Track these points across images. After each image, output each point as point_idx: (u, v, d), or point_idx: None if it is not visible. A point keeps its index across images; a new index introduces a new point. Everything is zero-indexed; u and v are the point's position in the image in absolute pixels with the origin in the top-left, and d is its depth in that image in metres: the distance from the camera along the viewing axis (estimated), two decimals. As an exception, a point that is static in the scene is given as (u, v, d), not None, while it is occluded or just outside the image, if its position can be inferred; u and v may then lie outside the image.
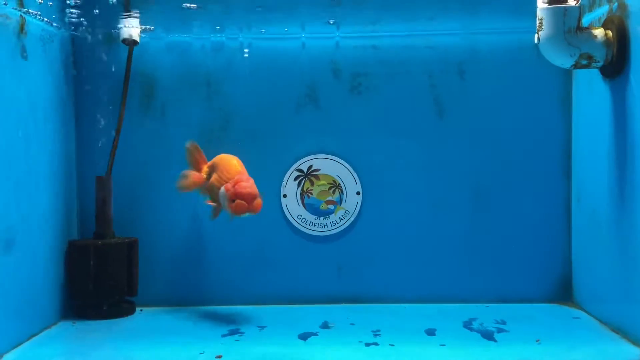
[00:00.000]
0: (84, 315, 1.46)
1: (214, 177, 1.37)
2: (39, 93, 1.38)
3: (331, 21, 1.49)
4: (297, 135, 1.58)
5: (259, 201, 1.29)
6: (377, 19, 1.50)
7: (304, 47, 1.58)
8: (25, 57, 1.31)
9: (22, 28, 1.29)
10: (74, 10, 1.46)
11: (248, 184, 1.29)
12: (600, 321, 1.38)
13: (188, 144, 1.45)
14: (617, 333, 1.29)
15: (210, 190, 1.39)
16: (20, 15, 1.29)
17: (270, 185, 1.58)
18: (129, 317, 1.48)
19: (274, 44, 1.58)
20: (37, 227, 1.35)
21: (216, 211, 1.40)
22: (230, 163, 1.36)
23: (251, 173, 1.57)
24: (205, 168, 1.43)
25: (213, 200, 1.38)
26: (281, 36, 1.57)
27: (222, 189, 1.31)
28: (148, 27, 1.53)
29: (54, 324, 1.42)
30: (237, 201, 1.27)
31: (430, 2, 1.41)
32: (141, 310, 1.53)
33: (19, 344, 1.26)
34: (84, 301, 1.46)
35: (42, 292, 1.37)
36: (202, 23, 1.53)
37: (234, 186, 1.29)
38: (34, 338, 1.31)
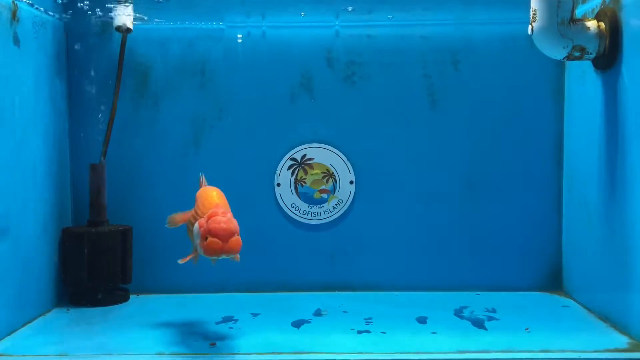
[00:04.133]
0: (78, 302, 1.46)
1: (191, 213, 1.18)
2: (31, 80, 1.37)
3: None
4: (291, 124, 1.58)
5: (236, 239, 1.06)
6: (372, 8, 1.50)
7: (299, 36, 1.57)
8: (17, 45, 1.30)
9: (14, 15, 1.28)
10: (66, -3, 1.46)
11: (224, 219, 1.06)
12: (589, 310, 1.40)
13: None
14: (606, 322, 1.31)
15: (188, 230, 1.19)
16: (13, 2, 1.28)
17: (264, 174, 1.58)
18: (123, 304, 1.49)
19: (268, 33, 1.58)
20: (31, 214, 1.35)
21: (195, 256, 1.19)
22: (209, 195, 1.16)
23: (245, 162, 1.58)
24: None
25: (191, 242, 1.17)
26: (276, 24, 1.57)
27: (196, 225, 1.10)
28: (142, 15, 1.52)
29: (48, 311, 1.42)
30: (210, 239, 1.05)
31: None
32: (137, 295, 1.54)
33: (13, 331, 1.27)
34: (78, 289, 1.47)
35: (36, 279, 1.37)
36: (197, 11, 1.52)
37: (207, 221, 1.07)
38: (28, 325, 1.32)
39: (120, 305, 1.48)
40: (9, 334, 1.25)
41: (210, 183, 1.57)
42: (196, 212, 1.15)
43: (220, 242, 1.04)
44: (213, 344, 1.19)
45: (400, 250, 1.59)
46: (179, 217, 1.25)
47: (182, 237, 1.57)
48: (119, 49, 1.53)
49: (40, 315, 1.38)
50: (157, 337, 1.23)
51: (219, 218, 1.07)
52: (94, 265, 1.45)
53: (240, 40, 1.57)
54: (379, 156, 1.58)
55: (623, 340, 1.19)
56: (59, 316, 1.40)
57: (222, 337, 1.23)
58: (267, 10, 1.53)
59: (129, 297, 1.52)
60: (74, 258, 1.45)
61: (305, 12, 1.52)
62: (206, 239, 1.06)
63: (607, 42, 1.26)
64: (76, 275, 1.45)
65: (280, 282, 1.59)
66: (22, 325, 1.31)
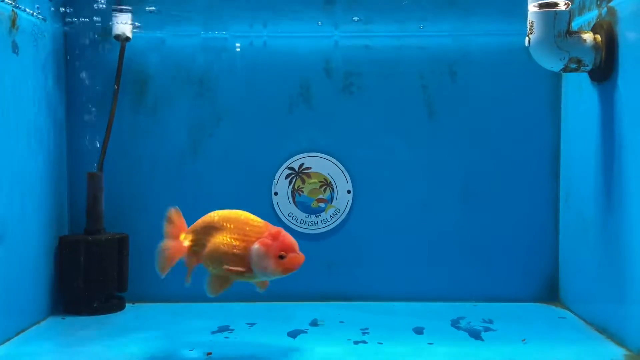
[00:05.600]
0: (73, 310, 1.46)
1: (223, 238, 1.13)
2: (30, 88, 1.37)
3: (319, 23, 1.49)
4: (289, 134, 1.59)
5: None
6: (370, 19, 1.51)
7: (297, 46, 1.58)
8: (16, 53, 1.31)
9: (13, 23, 1.29)
10: (66, 6, 1.46)
11: (287, 233, 1.10)
12: (586, 321, 1.40)
13: (168, 212, 1.20)
14: (602, 333, 1.31)
15: (213, 257, 1.14)
16: (12, 10, 1.28)
17: (261, 182, 1.59)
18: (119, 313, 1.48)
19: (267, 42, 1.58)
20: (27, 222, 1.35)
21: (233, 277, 1.15)
22: (246, 216, 1.14)
23: (243, 171, 1.59)
24: (187, 235, 1.19)
25: (216, 266, 1.14)
26: (275, 34, 1.57)
27: (256, 246, 1.09)
28: (140, 23, 1.52)
29: (44, 319, 1.42)
30: (291, 255, 1.08)
31: (423, 4, 1.42)
32: (133, 303, 1.53)
33: (8, 339, 1.26)
34: (74, 297, 1.46)
35: (31, 287, 1.37)
36: (196, 20, 1.53)
37: (274, 240, 1.09)
38: (23, 333, 1.31)
39: (116, 313, 1.47)
40: (3, 342, 1.24)
41: (208, 191, 1.58)
42: (237, 235, 1.12)
43: (299, 255, 1.09)
44: (209, 354, 1.18)
45: (397, 260, 1.59)
46: (174, 251, 1.18)
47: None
48: (118, 58, 1.53)
49: (35, 323, 1.38)
50: (153, 346, 1.23)
51: (283, 233, 1.10)
52: (90, 274, 1.44)
53: (238, 50, 1.58)
54: (377, 166, 1.58)
55: (619, 352, 1.19)
56: (54, 324, 1.39)
57: (218, 347, 1.22)
58: (268, 20, 1.53)
59: (125, 306, 1.52)
60: (70, 266, 1.44)
61: (304, 21, 1.52)
62: (281, 257, 1.08)
63: (603, 54, 1.26)
64: (72, 283, 1.44)
65: (277, 291, 1.58)
66: (17, 333, 1.30)
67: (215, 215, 1.17)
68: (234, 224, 1.13)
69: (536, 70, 1.36)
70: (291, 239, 1.10)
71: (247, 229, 1.12)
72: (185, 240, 1.18)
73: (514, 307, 1.52)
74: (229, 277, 1.14)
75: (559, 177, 1.58)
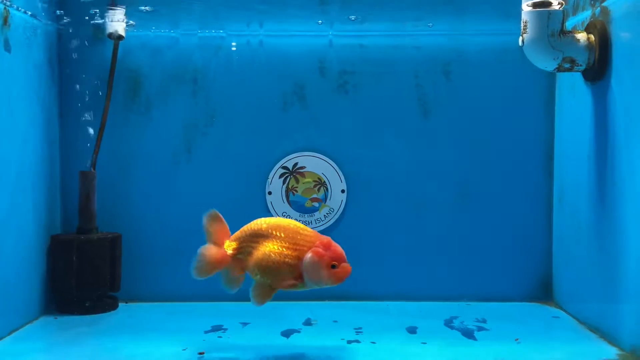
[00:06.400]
0: (66, 310, 1.45)
1: (273, 246, 1.12)
2: (22, 86, 1.37)
3: (314, 22, 1.49)
4: (283, 133, 1.58)
5: None
6: (365, 18, 1.51)
7: (292, 45, 1.58)
8: (8, 50, 1.30)
9: (5, 21, 1.28)
10: (59, 4, 1.45)
11: (336, 243, 1.11)
12: (579, 321, 1.40)
13: (207, 214, 1.17)
14: (595, 333, 1.31)
15: (262, 266, 1.12)
16: (4, 7, 1.27)
17: (255, 182, 1.58)
18: (112, 312, 1.48)
19: (262, 41, 1.58)
20: (19, 221, 1.34)
21: (285, 285, 1.12)
22: (296, 225, 1.13)
23: (236, 170, 1.58)
24: (232, 243, 1.17)
25: (265, 275, 1.12)
26: (270, 33, 1.57)
27: (309, 256, 1.09)
28: (134, 22, 1.52)
29: (35, 319, 1.41)
30: (342, 265, 1.10)
31: (418, 3, 1.42)
32: (126, 303, 1.53)
33: (0, 339, 1.25)
34: (66, 296, 1.46)
35: (23, 286, 1.36)
36: (190, 18, 1.53)
37: (325, 249, 1.09)
38: (15, 333, 1.31)
39: (108, 313, 1.47)
40: (-5, 342, 1.24)
41: (201, 190, 1.57)
42: (288, 245, 1.11)
43: (348, 265, 1.10)
44: (202, 353, 1.18)
45: (391, 259, 1.59)
46: (216, 258, 1.15)
47: (171, 246, 1.58)
48: (111, 56, 1.52)
49: (27, 323, 1.37)
50: (146, 346, 1.22)
51: (334, 243, 1.10)
52: (82, 273, 1.44)
53: (234, 49, 1.58)
54: (371, 165, 1.58)
55: (612, 351, 1.20)
56: (46, 324, 1.38)
57: (211, 346, 1.22)
58: (264, 19, 1.53)
59: (117, 305, 1.51)
60: (63, 265, 1.44)
61: (298, 20, 1.52)
62: (333, 266, 1.09)
63: (597, 54, 1.27)
64: (64, 283, 1.44)
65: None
66: (9, 333, 1.29)
67: (263, 223, 1.14)
68: (285, 233, 1.12)
69: (530, 69, 1.36)
70: (341, 249, 1.10)
71: (299, 237, 1.11)
72: (229, 249, 1.16)
73: (507, 307, 1.52)
74: (274, 286, 1.13)
75: (553, 176, 1.58)
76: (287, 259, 1.10)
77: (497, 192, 1.58)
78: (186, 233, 1.57)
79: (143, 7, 1.44)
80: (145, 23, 1.53)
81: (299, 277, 1.10)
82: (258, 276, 1.13)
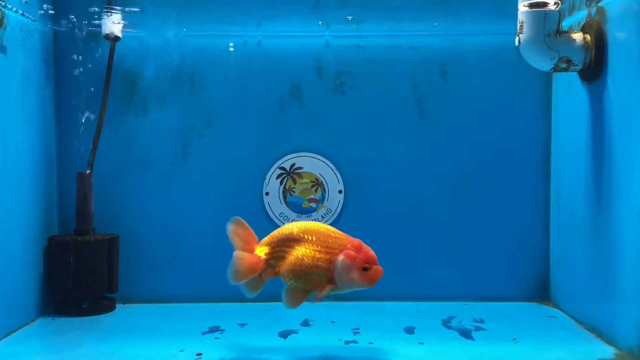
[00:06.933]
0: (63, 312, 1.45)
1: (305, 250, 1.12)
2: (18, 88, 1.36)
3: (310, 22, 1.49)
4: (280, 133, 1.58)
5: None
6: (361, 18, 1.51)
7: (289, 45, 1.58)
8: (4, 52, 1.30)
9: (1, 22, 1.28)
10: (55, 5, 1.45)
11: (368, 247, 1.12)
12: (577, 320, 1.41)
13: (232, 222, 1.17)
14: (592, 332, 1.32)
15: (295, 270, 1.12)
16: (0, 9, 1.27)
17: (252, 182, 1.58)
18: (109, 314, 1.47)
19: (259, 42, 1.58)
20: (16, 222, 1.34)
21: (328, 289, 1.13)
22: (326, 228, 1.14)
23: (234, 171, 1.58)
24: (263, 248, 1.17)
25: (297, 279, 1.13)
26: (267, 34, 1.57)
27: (342, 259, 1.09)
28: (130, 23, 1.52)
29: (33, 320, 1.41)
30: (375, 267, 1.11)
31: (414, 4, 1.42)
32: (124, 304, 1.52)
33: (-3, 341, 1.26)
34: (63, 298, 1.45)
35: (20, 288, 1.36)
36: (187, 19, 1.52)
37: (357, 251, 1.10)
38: (12, 335, 1.30)
39: (106, 314, 1.47)
40: (-8, 344, 1.24)
41: (199, 191, 1.57)
42: (321, 247, 1.11)
43: (380, 268, 1.11)
44: (199, 354, 1.18)
45: (388, 260, 1.57)
46: (252, 263, 1.15)
47: (168, 247, 1.57)
48: (108, 57, 1.52)
49: (25, 325, 1.37)
50: (143, 347, 1.22)
51: (365, 245, 1.11)
52: (80, 274, 1.44)
53: (231, 49, 1.58)
54: (368, 166, 1.58)
55: (609, 351, 1.20)
56: (43, 325, 1.38)
57: (208, 347, 1.22)
58: (261, 19, 1.53)
59: (115, 307, 1.51)
60: (60, 267, 1.43)
61: (295, 21, 1.52)
62: (365, 269, 1.09)
63: (593, 54, 1.27)
64: (62, 284, 1.43)
65: (268, 292, 1.57)
66: (6, 335, 1.29)
67: (294, 227, 1.15)
68: (316, 236, 1.12)
69: (527, 69, 1.36)
70: (372, 251, 1.11)
71: (330, 241, 1.12)
72: (261, 253, 1.16)
73: (504, 307, 1.52)
74: (307, 289, 1.13)
75: (550, 176, 1.58)
76: (319, 263, 1.11)
77: (494, 192, 1.58)
78: (184, 234, 1.58)
79: (139, 8, 1.44)
80: (141, 24, 1.53)
81: (332, 280, 1.11)
82: (292, 280, 1.13)
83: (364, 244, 1.12)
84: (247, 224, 1.18)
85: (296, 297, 1.13)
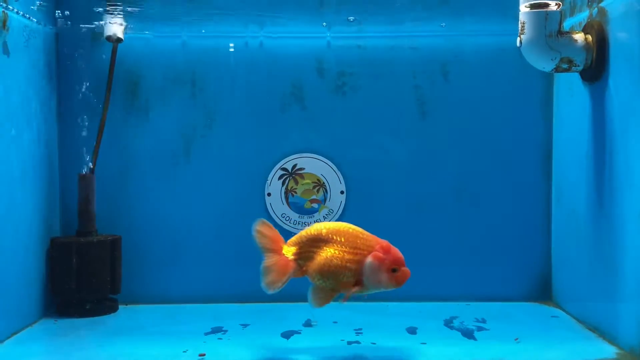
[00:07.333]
0: (66, 313, 1.45)
1: (334, 251, 1.12)
2: (21, 89, 1.37)
3: (312, 23, 1.50)
4: (282, 134, 1.59)
5: None
6: (363, 19, 1.51)
7: (290, 46, 1.58)
8: (7, 54, 1.30)
9: (4, 24, 1.28)
10: (57, 7, 1.45)
11: (395, 248, 1.13)
12: (578, 320, 1.41)
13: (257, 223, 1.17)
14: (594, 332, 1.32)
15: (324, 271, 1.13)
16: (2, 11, 1.28)
17: (254, 183, 1.58)
18: (112, 315, 1.48)
19: (260, 43, 1.58)
20: (18, 224, 1.34)
21: (351, 290, 1.13)
22: (355, 229, 1.15)
23: (236, 172, 1.59)
24: (290, 248, 1.17)
25: (326, 279, 1.13)
26: (268, 35, 1.57)
27: (370, 260, 1.10)
28: (132, 24, 1.52)
29: (35, 321, 1.41)
30: (403, 269, 1.12)
31: (415, 4, 1.42)
32: (126, 305, 1.53)
33: (0, 342, 1.25)
34: (66, 299, 1.46)
35: (23, 289, 1.36)
36: (188, 20, 1.53)
37: (385, 253, 1.11)
38: (15, 336, 1.30)
39: (108, 315, 1.47)
40: (-5, 345, 1.24)
41: (201, 192, 1.58)
42: (350, 249, 1.12)
43: (408, 269, 1.12)
44: (202, 355, 1.18)
45: (391, 260, 1.59)
46: (285, 267, 1.15)
47: (171, 248, 1.58)
48: (110, 59, 1.52)
49: (27, 326, 1.37)
50: (146, 348, 1.22)
51: (393, 248, 1.12)
52: (82, 276, 1.44)
53: (232, 50, 1.58)
54: (370, 166, 1.59)
55: (611, 350, 1.20)
56: (46, 327, 1.38)
57: (211, 348, 1.22)
58: (262, 21, 1.53)
59: (117, 308, 1.51)
60: (62, 268, 1.44)
61: (296, 22, 1.53)
62: (393, 270, 1.10)
63: (594, 54, 1.27)
64: (64, 286, 1.44)
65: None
66: (9, 336, 1.29)
67: (323, 228, 1.15)
68: (345, 237, 1.13)
69: (528, 70, 1.36)
70: (400, 252, 1.12)
71: (359, 242, 1.12)
72: (289, 254, 1.16)
73: (506, 307, 1.53)
74: (334, 289, 1.14)
75: (551, 176, 1.58)
76: (348, 264, 1.11)
77: (496, 192, 1.58)
78: (186, 235, 1.58)
79: (141, 10, 1.44)
80: (143, 25, 1.53)
81: (360, 281, 1.12)
82: (320, 281, 1.14)
83: (392, 246, 1.12)
84: (271, 225, 1.18)
85: (323, 297, 1.14)
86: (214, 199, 1.58)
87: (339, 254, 1.12)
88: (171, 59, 1.57)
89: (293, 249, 1.17)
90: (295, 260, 1.16)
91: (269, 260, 1.15)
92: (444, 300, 1.56)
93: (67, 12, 1.49)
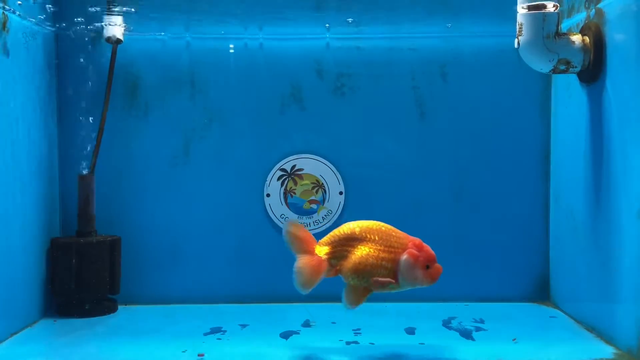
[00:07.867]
0: (65, 313, 1.45)
1: (369, 250, 1.13)
2: (21, 90, 1.37)
3: (311, 25, 1.50)
4: (281, 135, 1.59)
5: None
6: (361, 20, 1.52)
7: (289, 47, 1.59)
8: (7, 55, 1.30)
9: (4, 25, 1.28)
10: (57, 8, 1.46)
11: (427, 245, 1.14)
12: (576, 320, 1.41)
13: (288, 225, 1.16)
14: (592, 332, 1.32)
15: (359, 269, 1.13)
16: (2, 12, 1.28)
17: (253, 184, 1.59)
18: (111, 315, 1.48)
19: (259, 45, 1.59)
20: (18, 224, 1.34)
21: (385, 286, 1.13)
22: (387, 227, 1.15)
23: (235, 172, 1.59)
24: (323, 247, 1.17)
25: (361, 278, 1.13)
26: (267, 37, 1.58)
27: (405, 257, 1.11)
28: (132, 25, 1.52)
29: (35, 322, 1.41)
30: (436, 265, 1.13)
31: (414, 6, 1.43)
32: (125, 306, 1.53)
33: (0, 342, 1.26)
34: (65, 299, 1.46)
35: (23, 290, 1.37)
36: (188, 22, 1.53)
37: (419, 250, 1.12)
38: (15, 336, 1.31)
39: (108, 316, 1.47)
40: (-5, 345, 1.24)
41: (200, 193, 1.58)
42: (384, 246, 1.12)
43: (440, 266, 1.13)
44: (201, 355, 1.18)
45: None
46: (317, 267, 1.14)
47: (170, 249, 1.58)
48: (109, 60, 1.53)
49: (27, 326, 1.37)
50: (145, 348, 1.23)
51: (425, 245, 1.13)
52: (82, 276, 1.44)
53: (231, 51, 1.58)
54: (368, 167, 1.59)
55: (609, 351, 1.20)
56: (46, 327, 1.39)
57: (210, 348, 1.22)
58: (261, 22, 1.54)
59: (117, 308, 1.51)
60: (62, 268, 1.44)
61: (295, 23, 1.53)
62: (427, 267, 1.12)
63: (592, 56, 1.28)
64: (64, 286, 1.44)
65: (269, 293, 1.59)
66: (9, 336, 1.30)
67: (356, 226, 1.15)
68: (379, 236, 1.13)
69: (526, 71, 1.37)
70: (431, 250, 1.13)
71: (392, 240, 1.13)
72: (322, 253, 1.16)
73: (504, 307, 1.53)
74: (369, 288, 1.14)
75: (549, 176, 1.59)
76: (383, 262, 1.12)
77: (494, 193, 1.59)
78: (185, 236, 1.58)
79: (141, 11, 1.45)
80: (143, 27, 1.54)
81: (394, 278, 1.12)
82: (355, 280, 1.14)
83: (424, 243, 1.13)
84: (302, 226, 1.18)
85: (357, 296, 1.14)
86: (213, 200, 1.58)
87: (374, 252, 1.12)
88: (171, 60, 1.58)
89: (326, 249, 1.16)
90: (328, 259, 1.15)
91: (302, 260, 1.14)
92: (442, 300, 1.57)
93: (67, 13, 1.49)
